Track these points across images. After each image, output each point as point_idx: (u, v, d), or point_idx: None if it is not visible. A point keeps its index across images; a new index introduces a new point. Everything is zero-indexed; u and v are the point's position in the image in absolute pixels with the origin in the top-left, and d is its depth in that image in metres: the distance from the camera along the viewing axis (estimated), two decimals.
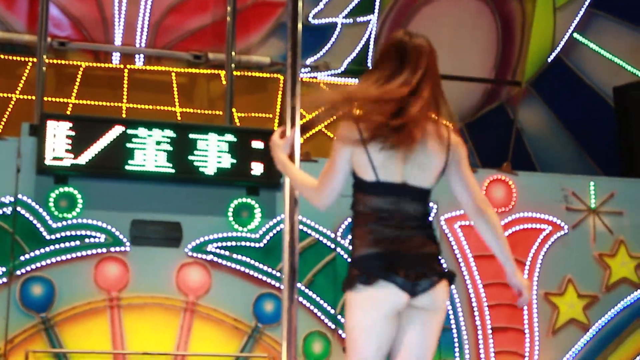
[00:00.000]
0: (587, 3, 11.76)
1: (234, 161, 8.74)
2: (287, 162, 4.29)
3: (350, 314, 4.08)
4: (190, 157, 8.68)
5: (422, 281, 4.00)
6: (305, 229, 8.86)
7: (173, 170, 8.63)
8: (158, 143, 8.61)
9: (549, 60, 11.74)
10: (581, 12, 11.81)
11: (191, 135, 8.71)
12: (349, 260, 4.13)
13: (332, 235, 9.02)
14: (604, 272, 9.72)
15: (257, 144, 8.79)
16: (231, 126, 9.49)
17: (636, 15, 11.55)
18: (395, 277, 3.97)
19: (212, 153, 8.73)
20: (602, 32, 11.89)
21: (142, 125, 8.68)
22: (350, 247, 4.16)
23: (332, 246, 9.01)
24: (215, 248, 8.77)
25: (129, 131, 8.59)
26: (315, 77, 10.96)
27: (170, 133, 8.67)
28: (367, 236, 4.06)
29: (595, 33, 11.89)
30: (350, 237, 4.17)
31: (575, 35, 11.86)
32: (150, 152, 8.60)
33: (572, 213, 9.77)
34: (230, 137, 8.78)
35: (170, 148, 8.65)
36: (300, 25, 5.74)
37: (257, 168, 8.77)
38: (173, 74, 10.72)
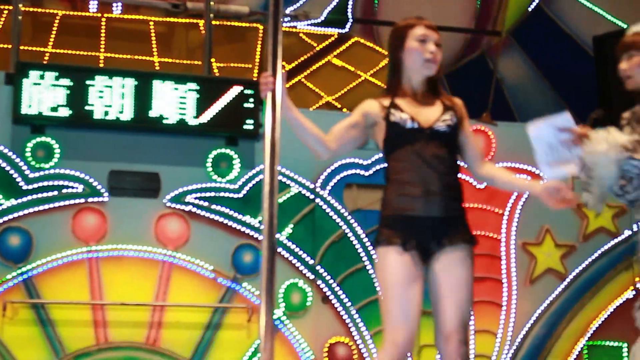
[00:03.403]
0: None
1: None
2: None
3: None
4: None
5: None
6: (284, 179, 8.84)
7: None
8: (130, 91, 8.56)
9: (530, 9, 11.67)
10: None
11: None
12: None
13: (312, 186, 9.00)
14: (582, 221, 9.76)
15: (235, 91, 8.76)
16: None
17: None
18: None
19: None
20: None
21: (117, 74, 8.60)
22: None
23: (312, 197, 9.00)
24: (194, 199, 8.74)
25: (106, 80, 8.52)
26: (295, 27, 10.85)
27: (142, 81, 8.62)
28: None
29: None
30: None
31: None
32: (119, 102, 8.54)
33: None
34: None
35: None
36: None
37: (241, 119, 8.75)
38: (151, 23, 10.61)
